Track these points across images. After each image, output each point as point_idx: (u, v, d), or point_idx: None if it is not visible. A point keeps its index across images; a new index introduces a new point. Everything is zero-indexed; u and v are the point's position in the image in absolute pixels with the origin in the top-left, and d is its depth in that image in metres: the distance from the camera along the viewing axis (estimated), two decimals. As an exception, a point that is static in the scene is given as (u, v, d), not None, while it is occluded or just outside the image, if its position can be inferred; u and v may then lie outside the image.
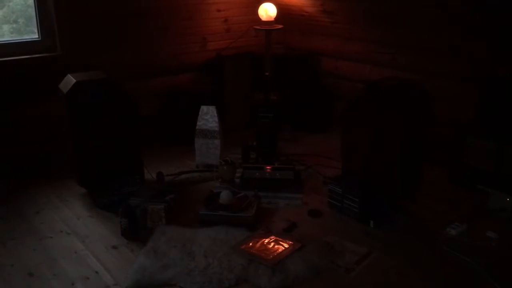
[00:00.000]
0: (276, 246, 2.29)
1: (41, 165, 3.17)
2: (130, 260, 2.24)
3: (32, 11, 3.22)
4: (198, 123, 3.30)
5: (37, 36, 3.24)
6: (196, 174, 3.19)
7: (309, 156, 3.49)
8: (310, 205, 2.76)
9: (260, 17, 3.49)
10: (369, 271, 2.16)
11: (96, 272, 2.17)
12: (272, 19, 3.47)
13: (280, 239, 2.34)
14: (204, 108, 3.30)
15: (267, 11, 3.46)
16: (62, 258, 2.28)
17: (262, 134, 3.37)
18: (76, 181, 2.86)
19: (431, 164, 2.96)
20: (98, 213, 2.70)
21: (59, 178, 3.07)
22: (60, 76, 2.89)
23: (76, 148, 2.76)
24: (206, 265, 2.16)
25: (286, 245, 2.29)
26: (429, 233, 2.45)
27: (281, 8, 3.76)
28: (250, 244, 2.31)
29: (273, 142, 3.35)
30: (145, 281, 2.07)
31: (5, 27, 3.25)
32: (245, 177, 2.96)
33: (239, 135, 3.67)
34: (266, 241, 2.33)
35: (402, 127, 2.53)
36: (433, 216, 2.62)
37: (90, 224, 2.60)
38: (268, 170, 2.96)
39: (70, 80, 2.76)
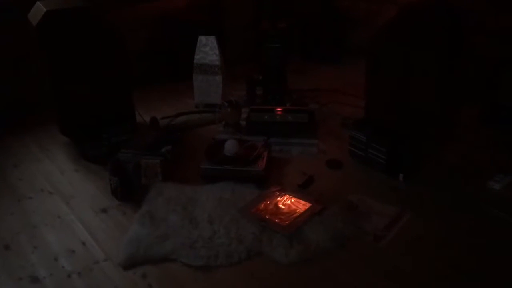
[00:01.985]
0: (292, 209, 1.96)
1: (15, 110, 2.80)
2: (123, 227, 1.92)
3: None
4: (196, 56, 2.87)
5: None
6: (196, 117, 2.82)
7: (322, 91, 3.10)
8: (328, 153, 2.41)
9: None
10: (401, 238, 1.84)
11: (83, 244, 1.86)
12: None
13: (296, 199, 2.01)
14: (202, 39, 2.85)
15: None
16: (43, 225, 1.96)
17: (269, 66, 2.96)
18: (59, 130, 2.50)
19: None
20: (84, 166, 2.36)
21: (38, 124, 2.70)
22: (30, 3, 2.43)
23: (55, 92, 2.37)
24: (211, 234, 1.85)
25: (303, 207, 1.96)
26: (468, 188, 2.12)
27: None
28: (262, 205, 1.98)
29: (281, 76, 2.95)
30: (140, 255, 1.76)
31: None
32: (252, 120, 2.59)
33: (242, 68, 3.26)
34: (280, 202, 2.01)
35: (440, 62, 2.12)
36: (471, 167, 2.28)
37: (76, 180, 2.27)
38: (279, 112, 2.58)
39: (39, 9, 2.30)
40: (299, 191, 2.11)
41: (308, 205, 1.97)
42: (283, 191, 2.08)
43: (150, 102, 3.02)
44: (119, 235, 1.87)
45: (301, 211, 1.94)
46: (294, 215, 1.91)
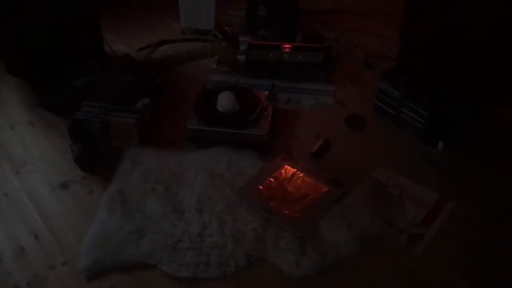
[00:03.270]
0: (303, 192, 1.53)
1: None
2: (87, 212, 1.49)
3: None
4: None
5: None
6: (183, 49, 2.27)
7: (337, 13, 2.53)
8: (348, 106, 1.93)
9: None
10: (445, 239, 1.42)
11: (36, 237, 1.43)
12: None
13: (309, 177, 1.57)
14: None
15: None
16: (-17, 207, 1.55)
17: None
18: (5, 68, 1.96)
19: None
20: (40, 116, 1.86)
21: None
22: None
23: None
24: (200, 229, 1.43)
25: (318, 191, 1.53)
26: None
27: None
28: (265, 186, 1.55)
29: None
30: (109, 260, 1.35)
31: None
32: (252, 59, 2.06)
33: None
34: (288, 181, 1.57)
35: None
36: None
37: (30, 137, 1.79)
38: (287, 49, 2.04)
39: None
40: (312, 162, 1.67)
41: (324, 188, 1.54)
42: (292, 163, 1.64)
43: (123, 25, 2.44)
44: (83, 225, 1.45)
45: (316, 197, 1.52)
46: (306, 203, 1.50)
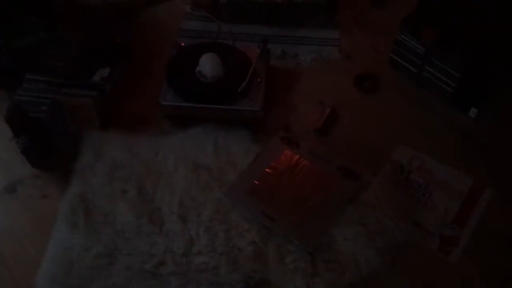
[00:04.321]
0: (310, 187, 1.23)
1: None
2: (43, 221, 1.20)
3: None
4: None
5: None
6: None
7: None
8: (356, 59, 1.57)
9: None
10: (485, 242, 1.17)
11: (-22, 264, 1.16)
12: None
13: (316, 166, 1.26)
14: None
15: None
16: None
17: None
18: None
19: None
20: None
21: None
22: None
23: None
24: (185, 246, 1.13)
25: (329, 185, 1.24)
26: None
27: None
28: (262, 179, 1.25)
29: None
30: (72, 296, 1.09)
31: None
32: (237, 0, 1.65)
33: None
34: (290, 172, 1.27)
35: None
36: None
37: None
38: (280, -12, 1.64)
39: None
40: (317, 140, 1.36)
41: (336, 182, 1.25)
42: (293, 145, 1.33)
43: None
44: (38, 244, 1.16)
45: (326, 195, 1.23)
46: (314, 203, 1.21)
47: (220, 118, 1.35)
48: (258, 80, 1.39)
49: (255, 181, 1.24)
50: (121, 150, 1.31)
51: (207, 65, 1.36)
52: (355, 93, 1.48)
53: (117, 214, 1.19)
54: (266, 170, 1.26)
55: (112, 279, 1.09)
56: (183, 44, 1.49)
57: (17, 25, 1.47)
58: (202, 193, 1.23)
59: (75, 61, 1.38)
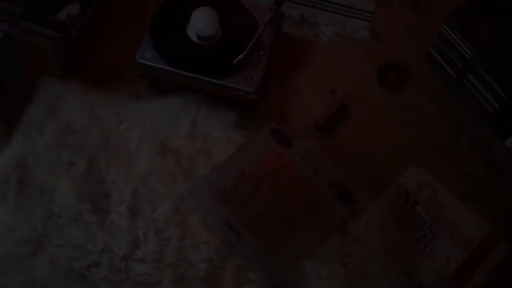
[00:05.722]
0: (292, 201, 1.01)
1: None
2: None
3: None
4: None
5: None
6: None
7: None
8: (387, 42, 1.28)
9: None
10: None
11: None
12: None
13: (306, 175, 1.03)
14: None
15: None
16: None
17: None
18: None
19: None
20: None
21: None
22: None
23: None
24: (128, 248, 0.93)
25: (316, 203, 1.01)
26: None
27: None
28: (237, 180, 1.03)
29: None
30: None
31: None
32: None
33: None
34: (273, 177, 1.03)
35: None
36: None
37: None
38: None
39: None
40: (317, 139, 1.13)
41: (325, 200, 1.02)
42: (284, 143, 1.09)
43: None
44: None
45: (309, 214, 1.01)
46: (292, 222, 0.99)
47: (205, 91, 1.11)
48: (261, 53, 1.12)
49: (227, 182, 1.02)
50: (79, 110, 1.08)
51: (200, 21, 1.09)
52: (376, 86, 1.21)
53: (56, 193, 0.99)
54: (245, 169, 1.04)
55: (33, 273, 0.92)
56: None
57: None
58: (163, 184, 1.02)
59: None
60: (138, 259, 0.95)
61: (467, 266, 1.01)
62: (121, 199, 1.00)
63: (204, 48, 1.11)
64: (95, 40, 1.18)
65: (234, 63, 1.09)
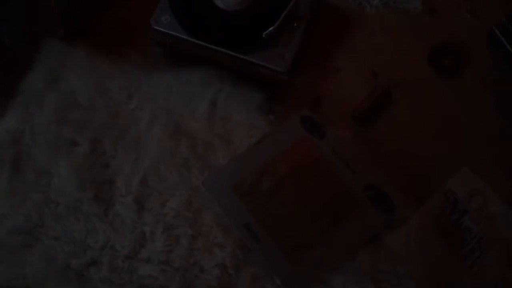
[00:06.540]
0: (320, 203, 0.88)
1: None
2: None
3: None
4: None
5: None
6: None
7: None
8: (443, 18, 1.09)
9: None
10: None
11: None
12: None
13: (338, 173, 0.89)
14: None
15: None
16: None
17: None
18: None
19: None
20: None
21: None
22: None
23: None
24: (132, 245, 0.82)
25: (348, 209, 0.87)
26: None
27: None
28: (259, 173, 0.90)
29: None
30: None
31: None
32: None
33: None
34: (301, 174, 0.89)
35: None
36: None
37: None
38: None
39: None
40: (353, 130, 0.98)
41: (359, 207, 0.88)
42: (317, 132, 0.95)
43: None
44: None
45: (339, 220, 0.88)
46: (319, 228, 0.87)
47: (229, 67, 0.97)
48: (295, 25, 0.96)
49: (248, 175, 0.89)
50: (84, 81, 0.95)
51: (227, -12, 0.94)
52: (426, 70, 1.04)
53: (56, 176, 0.87)
54: (269, 162, 0.91)
55: (25, 269, 0.82)
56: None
57: None
58: (175, 173, 0.89)
59: None
60: (144, 259, 0.84)
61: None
62: (127, 188, 0.88)
63: (229, 17, 0.95)
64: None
65: (263, 36, 0.93)
